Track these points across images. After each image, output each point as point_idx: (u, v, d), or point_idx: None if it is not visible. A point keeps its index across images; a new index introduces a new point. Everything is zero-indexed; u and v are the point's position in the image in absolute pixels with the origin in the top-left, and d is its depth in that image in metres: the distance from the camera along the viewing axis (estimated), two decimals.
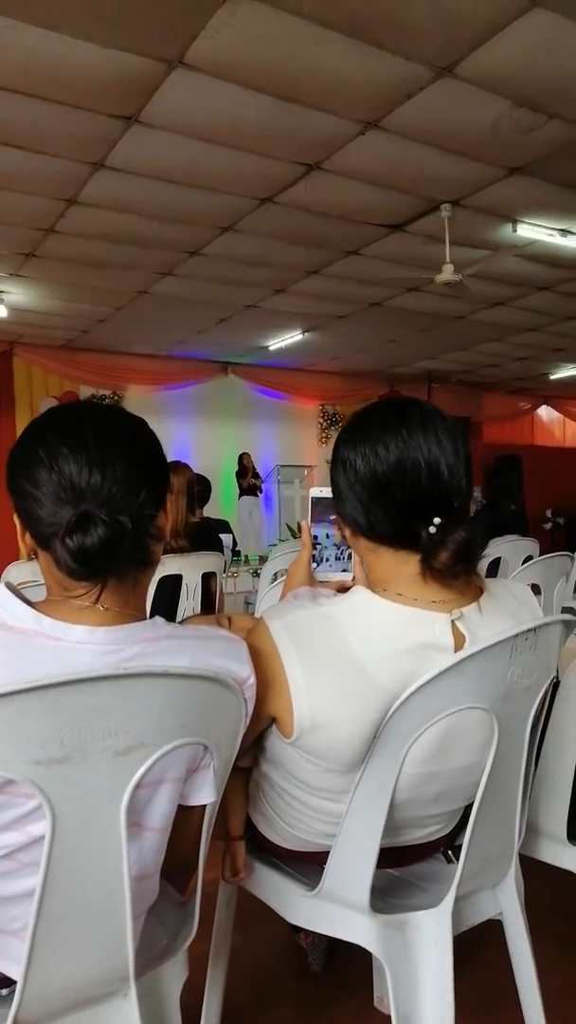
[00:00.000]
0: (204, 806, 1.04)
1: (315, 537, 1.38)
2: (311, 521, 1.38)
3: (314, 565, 1.39)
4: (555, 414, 12.60)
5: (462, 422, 10.52)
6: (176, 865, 1.07)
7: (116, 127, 3.85)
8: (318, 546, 1.38)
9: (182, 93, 3.54)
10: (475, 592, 1.10)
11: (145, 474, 0.95)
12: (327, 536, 1.38)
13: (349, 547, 1.33)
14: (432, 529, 1.01)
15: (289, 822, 1.23)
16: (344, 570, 1.39)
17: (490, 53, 3.25)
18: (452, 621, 1.05)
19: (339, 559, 1.38)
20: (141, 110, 3.69)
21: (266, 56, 3.26)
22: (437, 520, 1.01)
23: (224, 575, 3.49)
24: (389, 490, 1.03)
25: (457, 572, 1.02)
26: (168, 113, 3.72)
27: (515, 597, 1.16)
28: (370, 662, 1.03)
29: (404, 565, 1.05)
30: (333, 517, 1.37)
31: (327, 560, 1.38)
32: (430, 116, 3.77)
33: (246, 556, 8.50)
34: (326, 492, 1.38)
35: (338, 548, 1.39)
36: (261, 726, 1.13)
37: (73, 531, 0.88)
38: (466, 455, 1.05)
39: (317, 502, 1.38)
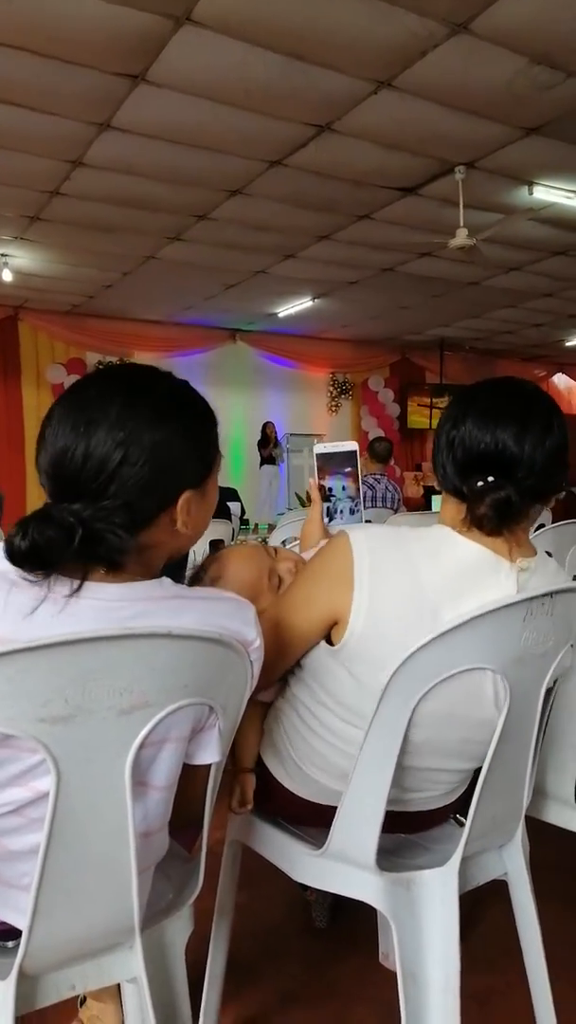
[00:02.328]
0: (209, 765, 1.04)
1: (330, 489, 1.38)
2: (325, 476, 1.38)
3: (327, 519, 1.39)
4: (571, 382, 12.46)
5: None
6: (182, 822, 1.08)
7: (122, 86, 3.77)
8: (332, 498, 1.38)
9: (189, 51, 3.46)
10: (531, 552, 1.15)
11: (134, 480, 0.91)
12: (342, 488, 1.38)
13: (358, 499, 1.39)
14: (480, 484, 1.09)
15: (304, 759, 1.24)
16: (359, 523, 1.38)
17: (506, 9, 3.16)
18: (517, 570, 1.11)
19: (354, 512, 1.38)
20: (148, 69, 3.62)
21: (275, 12, 3.18)
22: (489, 478, 1.09)
23: (232, 542, 3.49)
24: (454, 451, 1.14)
25: (493, 524, 1.09)
26: (175, 72, 3.64)
27: (554, 567, 1.22)
28: (432, 588, 1.09)
29: (460, 512, 1.13)
30: (348, 469, 1.37)
31: (341, 512, 1.38)
32: (444, 75, 3.68)
33: (255, 524, 8.51)
34: (331, 447, 1.38)
35: (352, 500, 1.38)
36: (316, 636, 1.17)
37: (16, 531, 0.87)
38: (554, 446, 1.11)
39: (325, 458, 1.38)
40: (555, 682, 1.23)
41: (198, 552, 3.37)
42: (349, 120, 4.13)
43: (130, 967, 1.03)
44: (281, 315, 8.70)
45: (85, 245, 6.23)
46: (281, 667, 1.24)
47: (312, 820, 1.27)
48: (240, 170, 4.79)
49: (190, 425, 0.98)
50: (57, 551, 0.86)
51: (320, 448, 1.40)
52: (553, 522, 3.03)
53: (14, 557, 0.86)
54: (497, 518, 1.08)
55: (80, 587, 0.88)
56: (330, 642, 1.16)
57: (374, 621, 1.08)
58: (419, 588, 1.09)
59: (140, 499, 0.91)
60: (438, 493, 1.27)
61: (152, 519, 0.95)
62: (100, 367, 1.03)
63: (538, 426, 1.10)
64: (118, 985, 1.45)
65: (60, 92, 3.81)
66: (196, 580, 1.38)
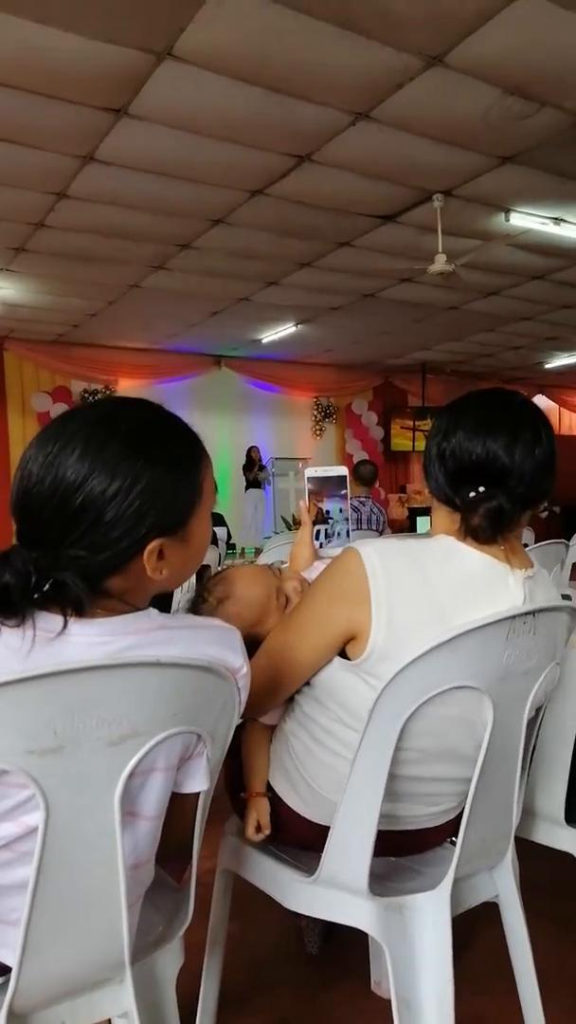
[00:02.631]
0: (198, 794, 1.04)
1: (327, 512, 1.39)
2: (322, 499, 1.39)
3: (324, 540, 1.40)
4: (551, 403, 12.60)
5: None
6: (171, 852, 1.08)
7: (105, 120, 3.83)
8: (331, 520, 1.39)
9: (171, 85, 3.52)
10: (529, 562, 1.19)
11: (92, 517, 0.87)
12: (339, 511, 1.39)
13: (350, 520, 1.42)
14: (472, 494, 1.12)
15: (318, 778, 1.23)
16: None
17: (480, 41, 3.24)
18: (523, 579, 1.14)
19: (349, 534, 1.40)
20: (130, 103, 3.68)
21: (255, 48, 3.25)
22: (481, 489, 1.12)
23: (219, 567, 3.49)
24: (445, 462, 1.17)
25: (488, 534, 1.11)
26: (157, 105, 3.70)
27: (550, 580, 1.25)
28: (445, 593, 1.10)
29: (453, 523, 1.16)
30: (344, 492, 1.39)
31: (338, 535, 1.39)
32: (421, 106, 3.76)
33: (242, 549, 8.50)
34: (322, 471, 1.40)
35: (347, 522, 1.40)
36: (327, 656, 1.17)
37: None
38: (544, 455, 1.14)
39: (317, 481, 1.39)
40: (542, 706, 1.24)
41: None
42: (328, 151, 4.21)
43: (121, 1002, 1.01)
44: (265, 341, 8.77)
45: (70, 275, 6.28)
46: (289, 689, 1.23)
47: (315, 844, 1.25)
48: (222, 200, 4.85)
49: (162, 466, 0.90)
50: (16, 597, 0.84)
51: (312, 472, 1.41)
52: (536, 542, 3.06)
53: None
54: (491, 528, 1.11)
55: (65, 626, 0.87)
56: (345, 656, 1.16)
57: (394, 631, 1.09)
58: (433, 595, 1.10)
59: (100, 548, 0.87)
60: (423, 515, 1.29)
61: (117, 568, 0.90)
62: (85, 396, 1.00)
63: (528, 435, 1.12)
64: (109, 1021, 1.44)
65: (44, 126, 3.87)
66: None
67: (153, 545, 0.91)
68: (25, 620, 0.86)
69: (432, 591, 1.10)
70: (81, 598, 0.86)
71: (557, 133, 4.08)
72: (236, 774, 1.37)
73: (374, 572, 1.10)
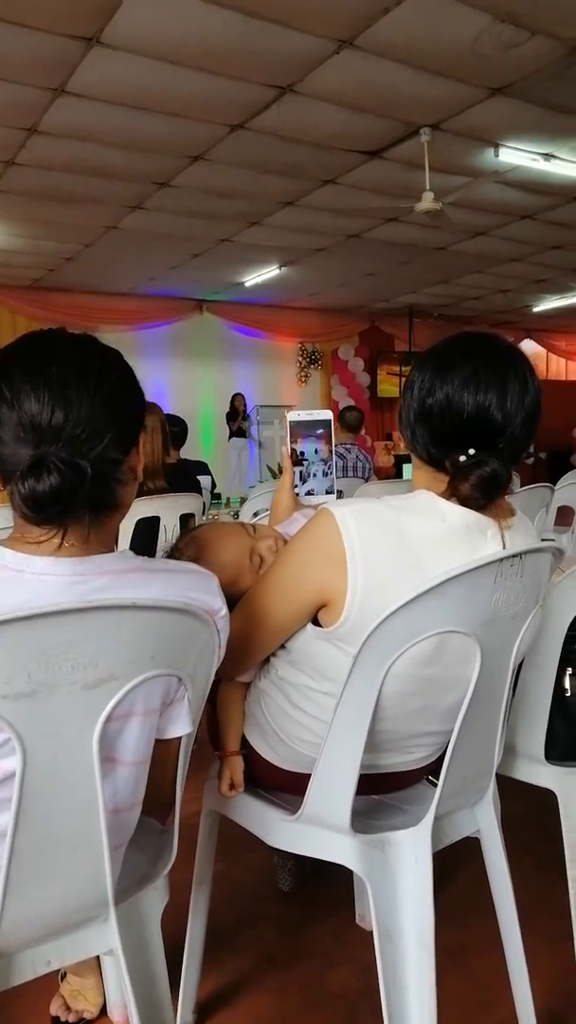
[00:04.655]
0: (180, 738, 1.04)
1: (302, 453, 1.36)
2: (297, 440, 1.36)
3: (299, 483, 1.37)
4: (538, 348, 12.50)
5: None
6: (156, 798, 1.08)
7: (76, 49, 3.65)
8: (305, 462, 1.36)
9: (145, 11, 3.35)
10: (509, 512, 1.15)
11: (113, 414, 0.91)
12: (315, 452, 1.36)
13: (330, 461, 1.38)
14: (463, 458, 1.07)
15: (291, 736, 1.23)
16: (329, 490, 1.37)
17: None
18: (501, 529, 1.11)
19: (327, 475, 1.37)
20: (102, 30, 3.50)
21: None
22: (471, 451, 1.06)
23: (203, 516, 3.47)
24: (430, 419, 1.10)
25: (477, 502, 1.07)
26: (130, 33, 3.53)
27: (530, 526, 1.21)
28: (424, 551, 1.06)
29: (437, 484, 1.11)
30: (320, 431, 1.35)
31: (314, 475, 1.36)
32: (408, 33, 3.60)
33: (227, 498, 8.48)
34: (304, 415, 1.36)
35: (325, 463, 1.37)
36: (300, 621, 1.15)
37: (26, 476, 0.84)
38: (532, 404, 1.09)
39: (299, 425, 1.36)
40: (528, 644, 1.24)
41: (169, 528, 3.35)
42: (311, 81, 4.05)
43: (106, 940, 1.03)
44: (248, 284, 8.60)
45: (44, 216, 6.08)
46: (264, 651, 1.22)
47: (293, 788, 1.27)
48: (201, 135, 4.68)
49: (131, 378, 1.00)
50: (71, 494, 0.85)
51: (294, 416, 1.37)
52: (521, 486, 3.05)
53: (39, 502, 0.84)
54: (484, 496, 1.06)
55: (60, 546, 0.88)
56: (317, 623, 1.13)
57: (371, 598, 1.05)
58: (411, 557, 1.06)
59: (118, 434, 0.92)
60: (409, 461, 1.25)
61: (124, 459, 0.95)
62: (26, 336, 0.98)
63: (517, 386, 1.07)
64: (98, 958, 1.46)
65: (10, 56, 3.68)
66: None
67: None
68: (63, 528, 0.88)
69: (410, 551, 1.06)
70: (122, 480, 0.93)
71: (549, 63, 3.93)
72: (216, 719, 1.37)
73: (350, 537, 1.05)
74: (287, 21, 3.47)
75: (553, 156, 5.19)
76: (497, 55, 3.84)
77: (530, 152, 5.11)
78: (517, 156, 5.12)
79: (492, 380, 1.06)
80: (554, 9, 3.44)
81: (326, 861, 1.20)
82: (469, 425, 1.07)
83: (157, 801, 1.09)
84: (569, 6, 3.42)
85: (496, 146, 5.02)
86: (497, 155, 5.08)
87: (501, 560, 1.05)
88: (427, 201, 4.94)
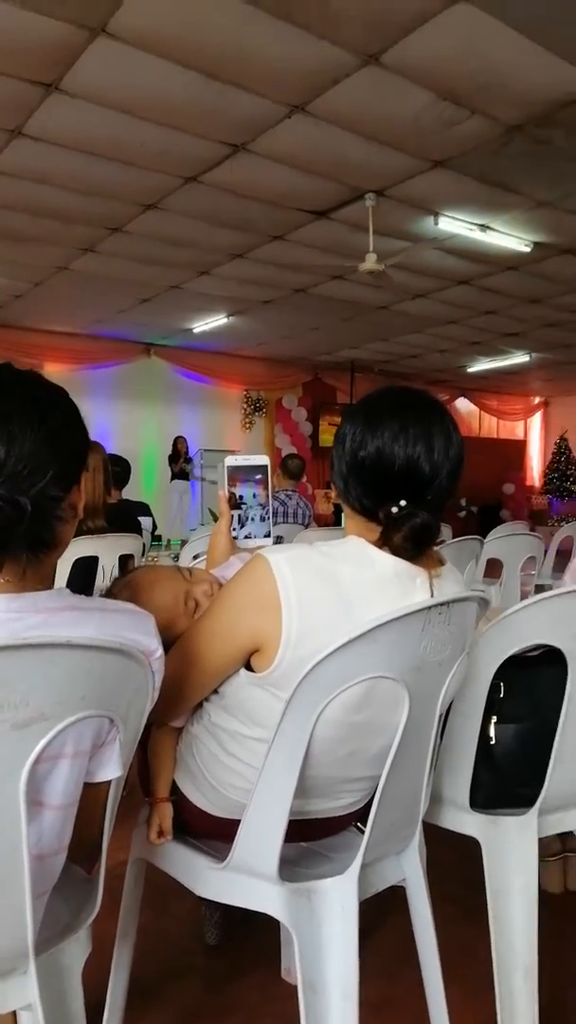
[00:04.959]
0: (110, 782, 1.03)
1: (240, 497, 1.37)
2: (235, 484, 1.37)
3: (237, 527, 1.38)
4: (472, 406, 12.96)
5: None
6: (82, 845, 1.06)
7: (35, 94, 3.72)
8: (243, 505, 1.37)
9: (105, 63, 3.45)
10: (438, 561, 1.18)
11: (55, 451, 0.91)
12: (253, 496, 1.38)
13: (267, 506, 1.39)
14: (394, 510, 1.10)
15: (222, 782, 1.23)
16: (267, 533, 1.38)
17: (415, 44, 3.29)
18: (430, 578, 1.13)
19: (264, 519, 1.38)
20: (61, 78, 3.58)
21: (192, 31, 3.21)
22: (402, 503, 1.10)
23: (143, 558, 3.45)
24: (362, 472, 1.13)
25: (409, 552, 1.10)
26: (90, 83, 3.62)
27: (458, 576, 1.24)
28: (356, 597, 1.09)
29: (370, 533, 1.14)
30: (258, 477, 1.38)
31: (252, 519, 1.38)
32: (356, 104, 3.79)
33: (168, 540, 8.42)
34: (241, 460, 1.38)
35: (263, 508, 1.38)
36: (234, 666, 1.15)
37: None
38: (457, 456, 1.13)
39: (235, 469, 1.38)
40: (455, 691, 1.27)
41: (107, 568, 3.31)
42: (264, 141, 4.20)
43: (24, 994, 0.99)
44: (196, 331, 8.70)
45: None
46: (197, 696, 1.22)
47: (222, 835, 1.26)
48: (155, 184, 4.78)
49: (75, 415, 1.00)
50: (9, 530, 0.85)
51: (231, 460, 1.39)
52: (452, 538, 3.13)
53: None
54: (415, 547, 1.10)
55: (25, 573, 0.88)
56: (249, 668, 1.14)
57: (305, 643, 1.06)
58: (344, 602, 1.08)
59: (60, 470, 0.92)
60: None
61: (64, 497, 0.95)
62: None
63: (442, 440, 1.11)
64: (14, 1014, 1.40)
65: None
66: None
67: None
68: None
69: (342, 597, 1.08)
70: (61, 518, 0.93)
71: (487, 141, 4.18)
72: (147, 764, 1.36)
73: (285, 583, 1.07)
74: (243, 83, 3.62)
75: (488, 227, 5.48)
76: (439, 130, 4.07)
77: (467, 222, 5.38)
78: (455, 225, 5.38)
79: (420, 433, 1.10)
80: (491, 92, 3.68)
81: (253, 911, 1.19)
82: (399, 477, 1.10)
83: (83, 847, 1.07)
84: (506, 90, 3.66)
85: (436, 214, 5.27)
86: (437, 223, 5.34)
87: (430, 608, 1.08)
88: (370, 262, 5.14)
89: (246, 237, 5.71)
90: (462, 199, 5.00)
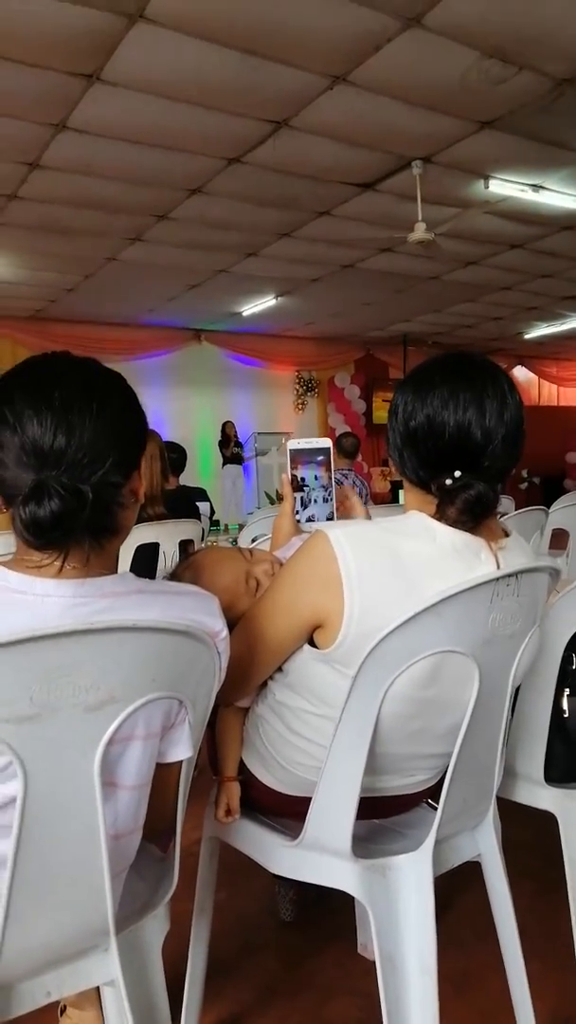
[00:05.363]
0: (181, 763, 1.04)
1: (302, 479, 1.37)
2: (297, 467, 1.37)
3: (300, 509, 1.38)
4: (530, 374, 12.62)
5: None
6: (156, 824, 1.08)
7: (76, 86, 3.73)
8: (306, 487, 1.37)
9: (144, 49, 3.43)
10: (502, 533, 1.16)
11: (115, 438, 0.92)
12: (315, 478, 1.37)
13: (331, 487, 1.38)
14: (448, 482, 1.07)
15: (290, 761, 1.23)
16: (330, 515, 1.38)
17: (457, 3, 3.18)
18: (495, 552, 1.11)
19: (327, 500, 1.38)
20: (102, 68, 3.58)
21: (228, 8, 3.17)
22: (457, 474, 1.07)
23: (202, 543, 3.48)
24: (416, 442, 1.11)
25: (466, 524, 1.08)
26: (130, 70, 3.61)
27: (526, 547, 1.21)
28: (419, 572, 1.07)
29: (429, 506, 1.12)
30: (320, 459, 1.37)
31: (315, 501, 1.38)
32: (399, 69, 3.70)
33: (225, 525, 8.49)
34: (304, 443, 1.38)
35: (325, 489, 1.38)
36: (297, 642, 1.15)
37: (28, 501, 0.85)
38: (514, 420, 1.09)
39: (297, 452, 1.37)
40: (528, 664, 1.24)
41: (168, 554, 3.35)
42: (306, 116, 4.14)
43: (107, 970, 1.01)
44: (245, 314, 8.69)
45: (45, 249, 6.17)
46: (262, 674, 1.22)
47: (293, 813, 1.26)
48: (199, 168, 4.77)
49: (133, 401, 1.01)
50: (72, 519, 0.86)
51: (294, 444, 1.39)
52: (516, 508, 3.07)
53: (40, 527, 0.85)
54: (472, 519, 1.07)
55: (62, 569, 0.89)
56: (313, 644, 1.14)
57: (368, 620, 1.05)
58: (406, 577, 1.06)
59: (120, 458, 0.92)
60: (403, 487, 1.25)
61: (125, 483, 0.95)
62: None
63: (496, 402, 1.08)
64: (97, 990, 1.44)
65: (13, 93, 3.76)
66: None
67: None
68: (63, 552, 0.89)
69: (404, 572, 1.07)
70: (122, 504, 0.93)
71: (536, 97, 4.03)
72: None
73: (346, 559, 1.06)
74: (282, 57, 3.56)
75: (542, 187, 5.30)
76: (485, 90, 3.93)
77: (519, 183, 5.21)
78: (506, 187, 5.22)
79: (471, 398, 1.07)
80: (540, 45, 3.54)
81: (327, 889, 1.19)
82: (452, 445, 1.08)
83: (157, 827, 1.09)
84: (554, 42, 3.51)
85: (486, 178, 5.12)
86: (487, 187, 5.18)
87: (497, 580, 1.06)
88: (419, 232, 5.03)
89: (292, 215, 5.65)
90: (512, 159, 4.84)
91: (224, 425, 9.62)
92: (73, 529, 0.87)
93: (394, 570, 1.07)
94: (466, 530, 1.09)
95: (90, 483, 0.88)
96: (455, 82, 3.84)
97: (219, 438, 9.63)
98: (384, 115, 4.16)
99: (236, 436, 9.67)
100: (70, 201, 5.19)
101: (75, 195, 5.09)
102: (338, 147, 4.54)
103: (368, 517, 1.40)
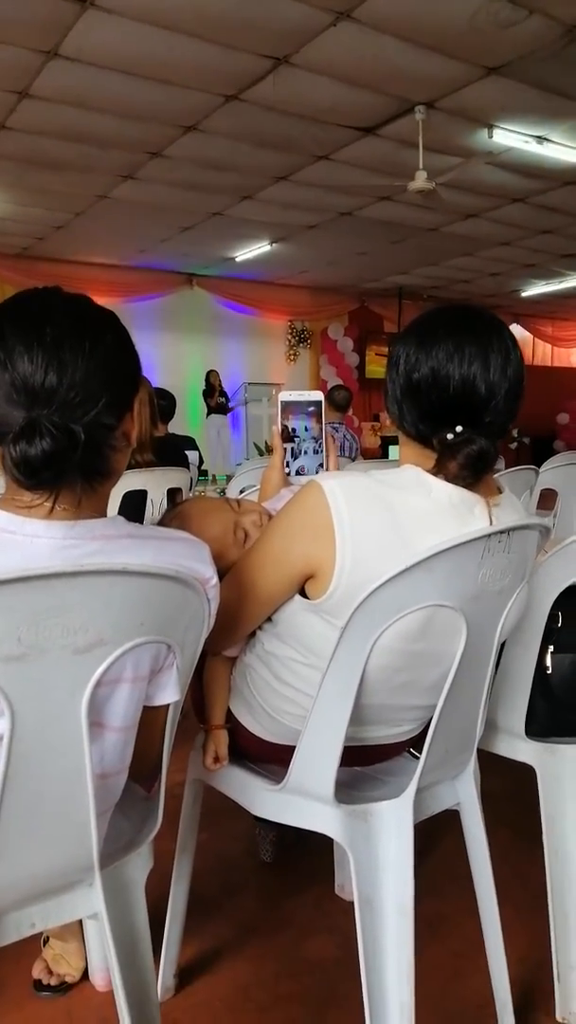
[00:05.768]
0: (168, 706, 1.04)
1: (293, 430, 1.35)
2: (288, 418, 1.35)
3: (290, 460, 1.37)
4: (525, 333, 12.52)
5: None
6: (142, 765, 1.09)
7: (69, 10, 3.58)
8: (296, 439, 1.35)
9: None
10: (496, 490, 1.15)
11: (107, 378, 0.89)
12: (305, 429, 1.36)
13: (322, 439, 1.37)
14: (450, 436, 1.05)
15: (276, 709, 1.24)
16: (320, 467, 1.37)
17: None
18: (489, 506, 1.10)
19: (317, 452, 1.37)
20: None
21: None
22: (458, 428, 1.05)
23: (190, 492, 3.46)
24: (418, 395, 1.08)
25: (466, 480, 1.07)
26: None
27: (518, 504, 1.21)
28: (412, 526, 1.06)
29: (426, 460, 1.10)
30: (310, 410, 1.35)
31: (305, 452, 1.36)
32: (406, 6, 3.57)
33: (213, 475, 8.46)
34: (295, 395, 1.36)
35: (316, 441, 1.36)
36: (287, 593, 1.14)
37: (18, 439, 0.83)
38: (516, 376, 1.08)
39: (288, 404, 1.35)
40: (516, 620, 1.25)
41: (156, 502, 3.34)
42: (308, 53, 4.00)
43: (91, 903, 1.04)
44: (239, 259, 8.53)
45: (34, 183, 5.99)
46: (251, 624, 1.22)
47: (277, 759, 1.28)
48: (195, 104, 4.61)
49: (126, 340, 0.97)
50: (64, 459, 0.84)
51: (285, 396, 1.37)
52: (506, 468, 3.07)
53: (31, 466, 0.83)
54: (473, 474, 1.06)
55: (52, 510, 0.87)
56: (304, 595, 1.13)
57: (359, 571, 1.05)
58: (399, 530, 1.06)
59: (113, 399, 0.90)
60: (395, 443, 1.23)
61: (117, 425, 0.93)
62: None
63: (500, 357, 1.06)
64: (80, 923, 1.48)
65: (2, 17, 3.60)
66: None
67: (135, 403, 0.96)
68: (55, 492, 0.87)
69: (397, 525, 1.06)
70: (114, 446, 0.91)
71: (546, 43, 3.91)
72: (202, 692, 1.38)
73: (337, 507, 1.04)
74: None
75: (547, 139, 5.18)
76: (494, 33, 3.81)
77: (524, 134, 5.09)
78: (511, 138, 5.10)
79: (476, 352, 1.05)
80: None
81: (306, 832, 1.21)
82: (455, 399, 1.06)
83: (143, 768, 1.10)
84: None
85: (490, 127, 5.00)
86: (491, 136, 5.06)
87: (489, 536, 1.05)
88: (420, 180, 4.92)
89: (290, 158, 5.51)
90: (518, 109, 4.72)
91: (208, 374, 9.47)
92: (64, 470, 0.85)
93: (387, 523, 1.07)
94: (464, 486, 1.08)
95: (82, 423, 0.86)
96: (463, 23, 3.72)
97: (203, 387, 9.50)
98: (388, 55, 4.03)
99: (221, 385, 9.54)
100: (61, 134, 5.02)
101: (66, 127, 4.92)
102: (340, 87, 4.40)
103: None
